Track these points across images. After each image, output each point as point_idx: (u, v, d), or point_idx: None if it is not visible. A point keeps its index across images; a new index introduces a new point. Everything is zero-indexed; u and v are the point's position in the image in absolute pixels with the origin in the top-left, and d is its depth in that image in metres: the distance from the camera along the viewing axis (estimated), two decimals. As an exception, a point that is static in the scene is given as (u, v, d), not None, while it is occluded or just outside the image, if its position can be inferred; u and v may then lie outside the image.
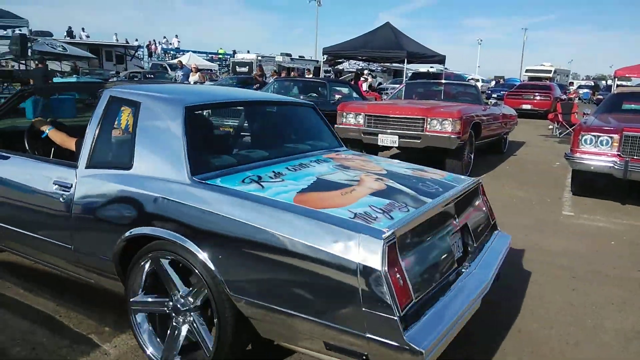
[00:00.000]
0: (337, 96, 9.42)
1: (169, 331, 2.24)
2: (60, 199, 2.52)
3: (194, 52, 33.02)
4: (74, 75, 17.91)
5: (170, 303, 2.21)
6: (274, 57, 27.89)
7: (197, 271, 2.07)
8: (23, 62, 14.12)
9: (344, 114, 7.25)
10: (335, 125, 7.05)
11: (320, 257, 1.84)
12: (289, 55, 30.47)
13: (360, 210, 2.02)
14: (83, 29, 30.16)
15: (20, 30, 13.86)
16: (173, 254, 2.15)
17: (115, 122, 2.58)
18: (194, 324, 2.18)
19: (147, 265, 2.27)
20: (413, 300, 1.87)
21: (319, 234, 1.87)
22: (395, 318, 1.73)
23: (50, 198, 2.57)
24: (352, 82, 13.47)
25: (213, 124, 3.38)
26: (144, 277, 2.30)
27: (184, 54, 31.61)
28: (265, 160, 2.66)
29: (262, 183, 2.27)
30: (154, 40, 36.28)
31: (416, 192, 2.40)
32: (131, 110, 2.53)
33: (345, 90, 10.09)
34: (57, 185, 2.56)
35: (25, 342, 2.50)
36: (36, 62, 12.02)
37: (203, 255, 2.04)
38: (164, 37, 37.67)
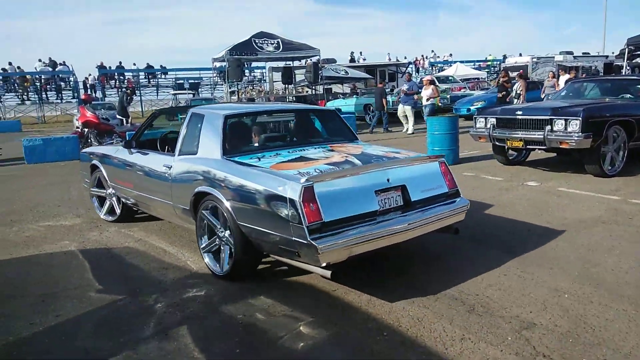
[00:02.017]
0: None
1: (220, 253, 3.85)
2: (166, 174, 4.36)
3: (462, 62, 32.56)
4: (354, 96, 19.65)
5: (216, 237, 3.83)
6: (553, 57, 25.05)
7: (224, 211, 3.64)
8: (313, 87, 16.25)
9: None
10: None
11: (271, 194, 3.24)
12: (570, 53, 26.93)
13: (305, 171, 3.35)
14: (360, 53, 33.34)
15: (312, 59, 16.00)
16: (213, 202, 3.76)
17: (195, 128, 4.30)
18: (228, 245, 3.72)
19: (204, 211, 3.87)
20: (323, 220, 3.07)
21: (272, 182, 3.29)
22: (304, 227, 3.01)
23: (162, 174, 4.43)
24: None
25: (246, 125, 4.78)
26: (204, 222, 3.93)
27: (451, 65, 31.45)
28: (277, 147, 4.20)
29: (261, 159, 3.82)
30: (422, 56, 37.34)
31: (360, 162, 3.68)
32: (200, 120, 4.29)
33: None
34: (165, 167, 4.40)
35: (146, 264, 4.30)
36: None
37: (225, 201, 3.61)
38: (432, 51, 38.44)
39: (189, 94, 27.87)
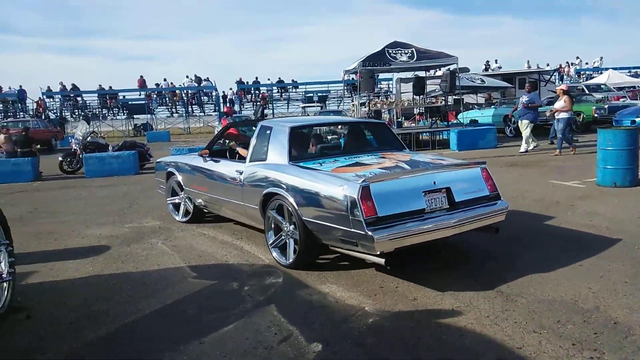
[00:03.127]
0: None
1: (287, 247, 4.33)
2: (238, 179, 4.90)
3: (615, 69, 28.84)
4: (492, 106, 18.28)
5: (282, 233, 4.33)
6: None
7: (289, 208, 4.16)
8: (445, 98, 15.39)
9: None
10: None
11: (333, 194, 3.77)
12: None
13: (362, 174, 3.88)
14: (496, 61, 31.33)
15: (449, 68, 15.18)
16: (280, 201, 4.27)
17: (264, 138, 4.86)
18: (293, 239, 4.23)
19: (271, 211, 4.41)
20: (377, 215, 3.54)
21: (334, 183, 3.83)
22: (362, 220, 3.49)
23: (233, 179, 5.00)
24: None
25: (308, 136, 5.36)
26: (271, 220, 4.45)
27: (602, 73, 28.03)
28: (335, 155, 4.80)
29: (322, 164, 4.37)
30: (567, 62, 34.00)
31: (410, 166, 4.22)
32: (269, 131, 4.85)
33: None
34: (237, 172, 4.95)
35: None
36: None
37: (292, 200, 4.12)
38: (577, 58, 34.80)
39: (317, 106, 28.52)
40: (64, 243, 5.64)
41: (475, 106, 19.73)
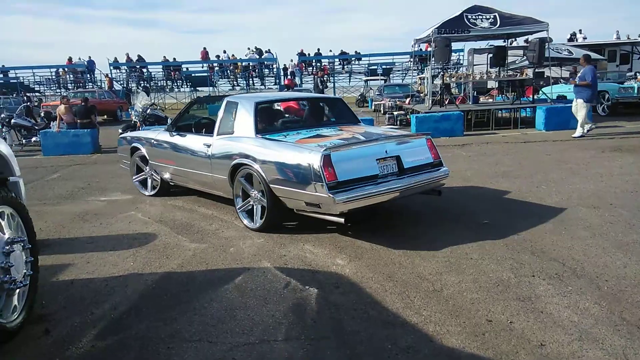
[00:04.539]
0: None
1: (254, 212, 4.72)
2: (207, 150, 5.20)
3: None
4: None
5: (250, 199, 4.70)
6: None
7: (258, 177, 4.51)
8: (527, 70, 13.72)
9: None
10: None
11: (298, 162, 4.18)
12: None
13: (323, 144, 4.26)
14: (580, 31, 28.30)
15: (537, 36, 13.48)
16: (249, 170, 4.61)
17: (230, 113, 5.18)
18: (262, 203, 4.60)
19: (240, 178, 4.74)
20: (337, 180, 3.98)
21: (299, 152, 4.24)
22: (324, 184, 3.93)
23: (201, 151, 5.29)
24: None
25: (274, 110, 5.94)
26: (240, 187, 4.80)
27: None
28: (297, 128, 5.20)
29: (286, 136, 4.79)
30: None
31: (364, 137, 4.66)
32: (235, 107, 5.16)
33: None
34: (204, 145, 5.25)
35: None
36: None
37: (260, 169, 4.48)
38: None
39: (380, 79, 27.13)
40: (108, 228, 5.09)
41: (561, 80, 17.70)
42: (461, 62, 28.40)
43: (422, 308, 3.01)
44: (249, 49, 32.26)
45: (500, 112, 14.07)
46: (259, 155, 4.54)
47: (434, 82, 14.42)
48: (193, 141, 5.47)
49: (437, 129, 11.30)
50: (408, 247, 4.06)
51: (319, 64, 32.36)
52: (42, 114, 14.58)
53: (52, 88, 30.06)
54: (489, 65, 15.15)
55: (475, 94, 15.60)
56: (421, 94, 19.64)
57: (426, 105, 13.94)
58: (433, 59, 13.07)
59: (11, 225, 2.82)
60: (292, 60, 32.11)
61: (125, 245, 4.48)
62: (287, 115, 6.17)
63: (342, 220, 4.05)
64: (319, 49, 32.83)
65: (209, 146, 5.17)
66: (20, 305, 2.84)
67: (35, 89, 30.02)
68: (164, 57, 31.52)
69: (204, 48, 31.10)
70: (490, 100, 15.35)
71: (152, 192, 6.34)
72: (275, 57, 31.30)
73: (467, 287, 3.29)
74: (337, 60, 32.73)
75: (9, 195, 2.85)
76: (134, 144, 6.43)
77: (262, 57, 31.52)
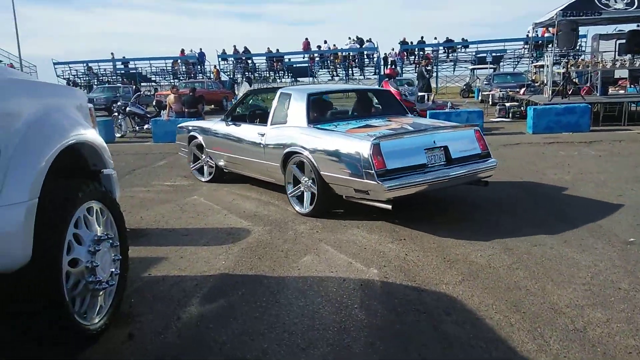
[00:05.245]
0: None
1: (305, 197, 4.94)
2: (260, 140, 5.45)
3: None
4: None
5: (300, 185, 4.93)
6: None
7: (309, 164, 4.74)
8: None
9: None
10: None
11: (348, 151, 4.36)
12: None
13: (373, 133, 4.48)
14: None
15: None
16: (299, 157, 4.85)
17: (284, 104, 5.40)
18: (312, 189, 4.80)
19: (292, 166, 4.97)
20: (386, 168, 4.14)
21: (349, 141, 4.44)
22: (373, 172, 4.09)
23: (255, 140, 5.55)
24: None
25: (325, 101, 6.00)
26: (291, 174, 5.02)
27: None
28: (347, 119, 5.45)
29: (337, 126, 4.98)
30: None
31: (413, 128, 4.87)
32: (288, 98, 5.40)
33: None
34: (259, 134, 5.51)
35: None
36: None
37: (310, 156, 4.71)
38: None
39: (489, 68, 25.30)
40: (204, 220, 4.99)
41: None
42: (583, 48, 25.55)
43: (562, 354, 2.39)
44: (349, 38, 31.86)
45: (634, 105, 12.26)
46: (310, 144, 4.76)
47: (555, 70, 12.92)
48: (248, 130, 5.75)
49: (559, 123, 10.07)
50: (535, 268, 3.39)
51: (421, 53, 31.04)
52: (155, 103, 15.44)
53: (167, 78, 32.16)
54: (616, 53, 13.33)
55: (601, 85, 13.79)
56: (536, 84, 17.90)
57: (545, 96, 12.55)
58: (555, 44, 11.66)
59: (100, 221, 2.67)
60: (392, 49, 31.18)
61: (219, 240, 4.30)
62: (335, 107, 6.43)
63: (389, 207, 4.19)
64: (422, 37, 31.54)
65: (262, 135, 5.43)
66: (106, 305, 2.69)
67: (152, 79, 32.32)
68: (268, 48, 32.25)
69: (306, 38, 31.27)
70: (622, 91, 13.44)
71: (208, 178, 6.64)
72: (376, 46, 30.59)
73: (618, 328, 2.59)
74: (441, 48, 31.19)
75: (99, 190, 2.70)
76: (191, 133, 6.73)
77: (363, 46, 30.96)
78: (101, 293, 2.60)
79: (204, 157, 6.68)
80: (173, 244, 4.25)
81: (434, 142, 4.49)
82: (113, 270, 2.71)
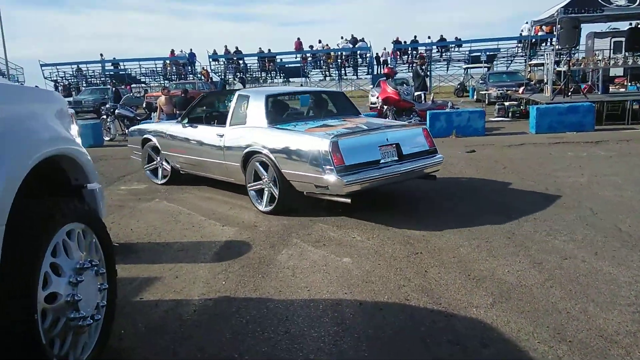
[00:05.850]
0: None
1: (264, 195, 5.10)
2: (219, 141, 5.53)
3: None
4: None
5: (261, 182, 5.07)
6: None
7: (270, 164, 4.88)
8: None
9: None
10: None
11: (309, 149, 4.56)
12: None
13: (330, 132, 4.68)
14: None
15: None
16: (260, 156, 4.99)
17: (242, 105, 5.55)
18: (272, 189, 4.98)
19: (252, 165, 5.10)
20: (345, 164, 4.37)
21: (309, 140, 4.63)
22: (333, 168, 4.33)
23: (215, 141, 5.60)
24: None
25: (282, 103, 6.22)
26: (252, 172, 5.14)
27: None
28: (304, 119, 5.65)
29: (296, 126, 5.13)
30: None
31: (367, 127, 5.08)
32: (246, 99, 5.56)
33: None
34: (217, 135, 5.58)
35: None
36: None
37: (271, 155, 4.84)
38: None
39: (484, 67, 25.11)
40: (201, 232, 4.62)
41: None
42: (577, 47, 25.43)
43: (625, 396, 2.05)
44: (342, 38, 31.55)
45: (635, 104, 12.05)
46: (271, 144, 4.90)
47: (556, 68, 12.68)
48: (206, 132, 5.81)
49: (562, 123, 9.81)
50: (571, 286, 3.07)
51: (414, 52, 30.75)
52: (144, 105, 14.99)
53: (157, 80, 31.60)
54: (611, 51, 13.15)
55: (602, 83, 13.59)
56: (532, 82, 17.70)
57: (546, 95, 12.29)
58: (556, 42, 11.41)
59: (82, 246, 2.29)
60: (385, 49, 30.90)
61: (218, 256, 3.93)
62: (296, 107, 6.86)
63: (349, 200, 4.44)
64: (415, 37, 31.29)
65: (221, 136, 5.51)
66: (91, 342, 2.31)
67: (142, 80, 31.74)
68: (260, 48, 31.82)
69: (298, 38, 30.88)
70: (622, 90, 13.24)
71: (163, 181, 6.67)
72: (368, 46, 30.28)
73: (681, 360, 2.27)
74: (434, 47, 30.94)
75: (82, 209, 2.33)
76: (145, 136, 6.74)
77: (356, 46, 30.62)
78: (85, 330, 2.22)
79: (158, 159, 6.67)
80: (167, 261, 3.88)
81: (387, 139, 4.79)
82: (99, 301, 2.34)
